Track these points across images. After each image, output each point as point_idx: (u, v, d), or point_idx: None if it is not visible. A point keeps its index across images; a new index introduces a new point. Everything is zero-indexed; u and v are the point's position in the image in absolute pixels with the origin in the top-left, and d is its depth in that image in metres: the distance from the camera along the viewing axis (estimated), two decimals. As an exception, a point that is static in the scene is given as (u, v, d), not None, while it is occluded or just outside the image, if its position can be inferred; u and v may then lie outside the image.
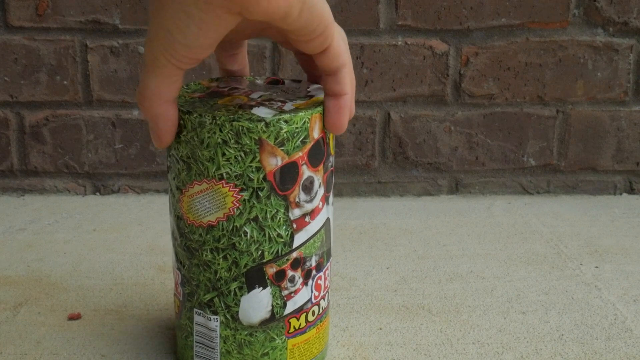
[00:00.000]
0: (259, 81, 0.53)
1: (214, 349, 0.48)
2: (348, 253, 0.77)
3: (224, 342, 0.48)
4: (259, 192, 0.44)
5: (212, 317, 0.47)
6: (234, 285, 0.46)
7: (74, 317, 0.61)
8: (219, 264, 0.46)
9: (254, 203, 0.44)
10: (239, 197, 0.44)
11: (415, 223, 0.86)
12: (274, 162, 0.43)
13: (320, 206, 0.46)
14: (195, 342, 0.49)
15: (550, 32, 0.91)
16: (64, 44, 0.90)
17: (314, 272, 0.48)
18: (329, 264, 0.50)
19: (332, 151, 0.48)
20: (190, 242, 0.46)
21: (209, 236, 0.45)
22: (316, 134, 0.45)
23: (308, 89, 0.50)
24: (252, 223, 0.44)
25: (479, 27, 0.90)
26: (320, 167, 0.46)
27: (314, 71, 0.52)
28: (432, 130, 0.94)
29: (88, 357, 0.55)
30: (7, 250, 0.77)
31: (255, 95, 0.48)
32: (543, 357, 0.55)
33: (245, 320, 0.47)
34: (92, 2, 0.89)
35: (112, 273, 0.71)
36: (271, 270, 0.46)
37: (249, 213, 0.44)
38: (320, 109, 0.45)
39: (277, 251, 0.46)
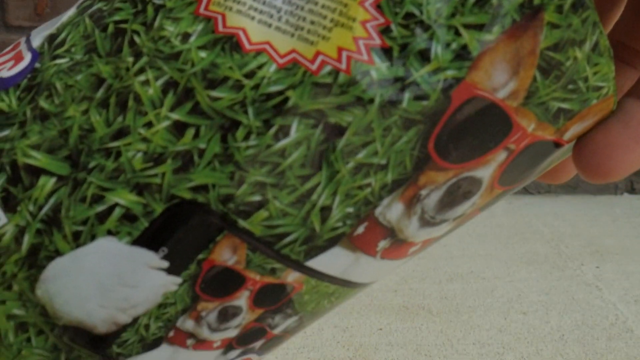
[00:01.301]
0: None
1: None
2: (348, 253, 0.76)
3: None
4: (406, 95, 0.16)
5: None
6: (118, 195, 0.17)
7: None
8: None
9: (380, 105, 0.16)
10: (363, 58, 0.16)
11: (416, 223, 0.86)
12: (496, 83, 0.17)
13: (415, 247, 0.21)
14: None
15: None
16: (63, 43, 0.90)
17: (258, 343, 0.20)
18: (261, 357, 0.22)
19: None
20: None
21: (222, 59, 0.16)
22: (568, 134, 0.18)
23: None
24: (310, 119, 0.16)
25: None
26: (508, 188, 0.20)
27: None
28: (432, 130, 0.94)
29: (87, 357, 0.55)
30: (6, 250, 0.77)
31: None
32: (544, 357, 0.55)
33: (59, 300, 0.18)
34: (92, 1, 0.89)
35: (111, 273, 0.71)
36: (232, 258, 0.18)
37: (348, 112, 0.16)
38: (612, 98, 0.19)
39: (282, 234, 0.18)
